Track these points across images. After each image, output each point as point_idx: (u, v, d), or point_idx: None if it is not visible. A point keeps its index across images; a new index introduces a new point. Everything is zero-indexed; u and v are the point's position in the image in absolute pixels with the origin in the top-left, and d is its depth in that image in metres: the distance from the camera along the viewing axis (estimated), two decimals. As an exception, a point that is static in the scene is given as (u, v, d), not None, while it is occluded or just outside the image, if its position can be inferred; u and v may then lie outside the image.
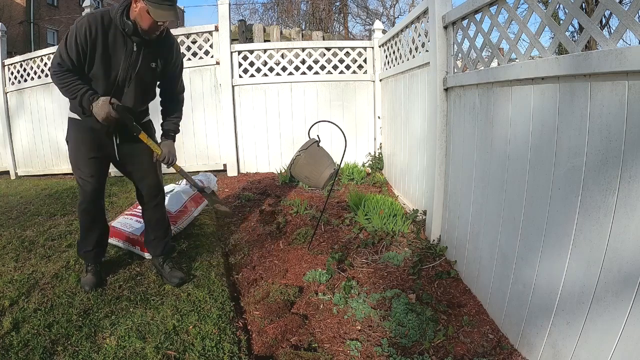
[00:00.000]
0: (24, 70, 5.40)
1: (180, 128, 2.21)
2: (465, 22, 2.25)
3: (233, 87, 4.80)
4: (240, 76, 4.82)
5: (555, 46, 1.55)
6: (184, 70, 2.21)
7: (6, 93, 5.60)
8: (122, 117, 1.88)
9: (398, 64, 3.78)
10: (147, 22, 1.78)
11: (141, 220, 2.43)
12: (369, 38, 5.45)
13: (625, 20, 1.14)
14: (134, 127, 1.97)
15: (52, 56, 3.38)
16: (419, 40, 3.04)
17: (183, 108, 2.23)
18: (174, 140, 2.19)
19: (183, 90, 2.22)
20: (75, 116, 2.00)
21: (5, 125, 5.66)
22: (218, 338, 1.77)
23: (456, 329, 1.88)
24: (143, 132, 2.01)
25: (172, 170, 2.30)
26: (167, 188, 3.05)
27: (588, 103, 1.29)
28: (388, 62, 4.27)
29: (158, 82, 2.12)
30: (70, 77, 1.81)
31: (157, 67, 1.99)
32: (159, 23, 1.80)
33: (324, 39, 5.93)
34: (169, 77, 2.09)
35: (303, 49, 4.79)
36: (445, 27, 2.45)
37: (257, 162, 5.02)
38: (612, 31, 1.21)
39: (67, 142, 2.08)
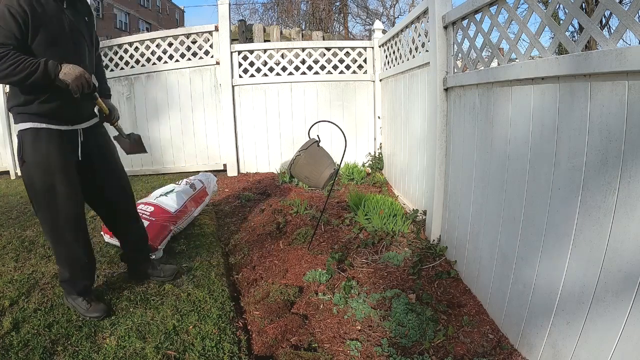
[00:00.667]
0: (24, 70, 5.40)
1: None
2: (465, 22, 2.25)
3: (233, 87, 4.80)
4: (240, 76, 4.82)
5: (555, 46, 1.55)
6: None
7: (6, 93, 5.60)
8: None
9: (398, 64, 3.78)
10: None
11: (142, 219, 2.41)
12: (369, 38, 5.45)
13: (625, 20, 1.14)
14: (95, 88, 1.84)
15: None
16: (419, 40, 3.04)
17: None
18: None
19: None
20: (32, 125, 1.75)
21: (5, 125, 5.65)
22: (218, 338, 1.77)
23: (456, 329, 1.88)
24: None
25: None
26: (167, 188, 3.05)
27: (588, 103, 1.29)
28: (388, 62, 4.27)
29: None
30: (20, 55, 1.59)
31: (89, 22, 1.93)
32: None
33: (324, 39, 5.92)
34: (94, 41, 2.02)
35: (303, 49, 4.79)
36: (445, 27, 2.45)
37: (257, 162, 5.02)
38: (612, 31, 1.21)
39: (21, 162, 1.77)
